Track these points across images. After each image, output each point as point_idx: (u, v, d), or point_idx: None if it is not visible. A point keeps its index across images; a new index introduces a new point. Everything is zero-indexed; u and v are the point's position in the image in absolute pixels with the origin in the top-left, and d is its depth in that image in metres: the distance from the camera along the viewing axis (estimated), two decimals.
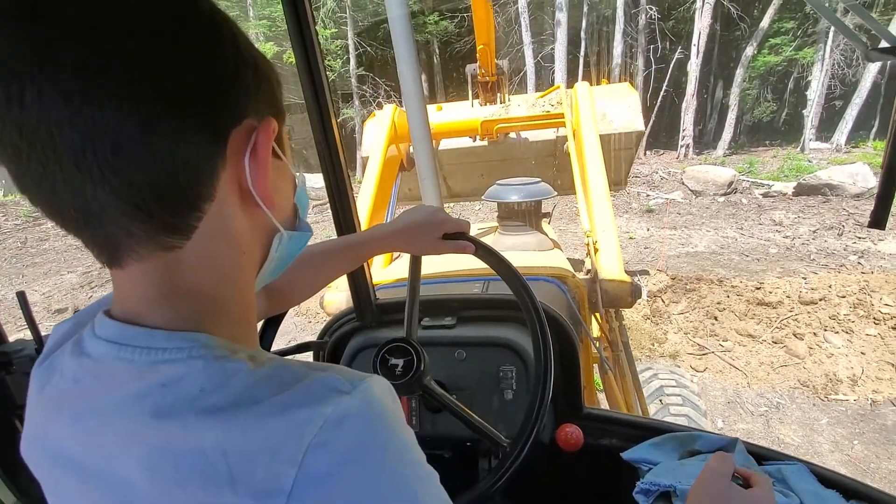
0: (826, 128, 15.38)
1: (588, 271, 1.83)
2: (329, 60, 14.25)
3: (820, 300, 3.77)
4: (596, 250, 1.86)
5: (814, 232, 7.14)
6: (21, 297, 0.69)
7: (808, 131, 14.77)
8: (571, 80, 14.64)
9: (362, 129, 4.25)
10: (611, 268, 1.78)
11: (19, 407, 0.69)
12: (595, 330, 1.74)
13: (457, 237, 0.73)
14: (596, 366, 1.81)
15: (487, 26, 3.07)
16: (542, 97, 3.32)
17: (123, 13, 0.27)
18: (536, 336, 0.69)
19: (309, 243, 0.45)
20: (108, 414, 0.31)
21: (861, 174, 8.97)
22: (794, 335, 3.62)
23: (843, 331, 3.57)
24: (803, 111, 15.36)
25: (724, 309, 3.96)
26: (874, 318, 3.57)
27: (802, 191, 9.20)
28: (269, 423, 0.29)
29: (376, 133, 2.71)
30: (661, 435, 0.79)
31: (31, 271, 6.76)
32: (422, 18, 15.88)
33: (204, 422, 0.29)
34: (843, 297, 3.74)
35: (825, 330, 3.59)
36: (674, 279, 4.50)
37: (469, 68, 3.79)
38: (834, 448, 2.81)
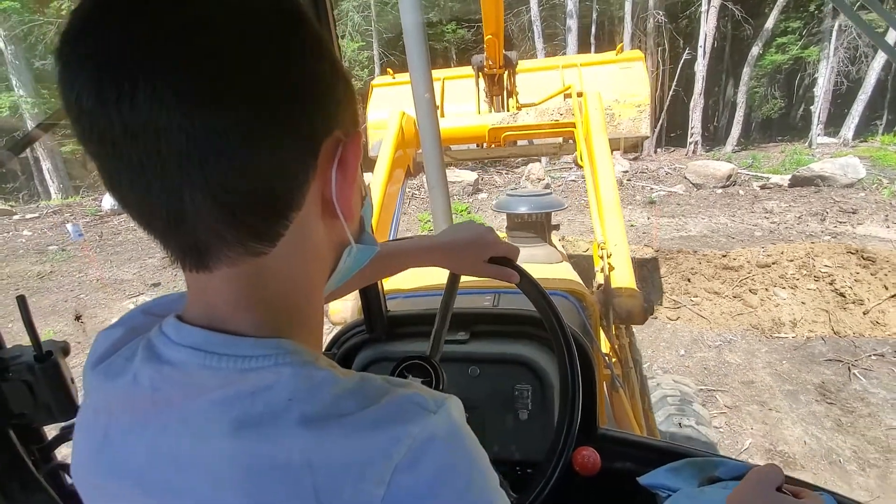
0: (834, 123, 15.83)
1: (599, 286, 1.79)
2: (357, 70, 15.43)
3: (773, 264, 4.64)
4: (611, 268, 1.82)
5: (799, 218, 7.91)
6: (21, 301, 0.65)
7: (816, 127, 15.31)
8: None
9: (368, 95, 4.37)
10: (623, 284, 1.76)
11: (16, 416, 0.66)
12: (604, 346, 1.69)
13: (502, 262, 0.70)
14: (604, 383, 1.75)
15: (496, 16, 2.93)
16: (553, 97, 3.36)
17: (237, 17, 0.27)
18: (567, 380, 0.65)
19: None
20: (189, 423, 0.30)
21: (851, 166, 9.63)
22: (750, 291, 4.50)
23: (789, 287, 4.44)
24: (811, 108, 15.88)
25: (696, 273, 4.86)
26: (815, 277, 4.43)
27: (797, 182, 9.89)
28: (358, 439, 0.28)
29: (383, 138, 2.71)
30: (679, 460, 0.75)
31: (116, 258, 7.98)
32: (440, 28, 16.95)
33: (292, 433, 0.28)
34: (792, 260, 4.60)
35: (775, 286, 4.47)
36: (658, 251, 5.41)
37: (475, 59, 3.51)
38: (766, 366, 3.71)
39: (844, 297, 4.22)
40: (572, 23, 14.49)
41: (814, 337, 4.02)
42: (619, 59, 3.98)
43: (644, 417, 1.82)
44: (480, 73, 3.60)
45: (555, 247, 2.23)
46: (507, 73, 3.60)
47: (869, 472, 2.66)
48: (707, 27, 14.65)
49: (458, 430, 0.31)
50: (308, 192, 0.31)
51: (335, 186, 0.33)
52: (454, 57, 18.81)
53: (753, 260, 4.81)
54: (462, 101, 3.95)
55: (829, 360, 3.71)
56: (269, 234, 0.31)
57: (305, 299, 0.36)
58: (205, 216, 0.28)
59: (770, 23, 14.81)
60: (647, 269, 5.11)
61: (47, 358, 0.66)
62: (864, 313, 4.10)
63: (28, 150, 16.44)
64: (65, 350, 0.70)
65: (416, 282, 1.39)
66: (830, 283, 4.35)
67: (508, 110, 3.67)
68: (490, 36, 3.04)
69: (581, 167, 2.58)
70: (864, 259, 4.47)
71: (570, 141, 3.17)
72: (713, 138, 17.73)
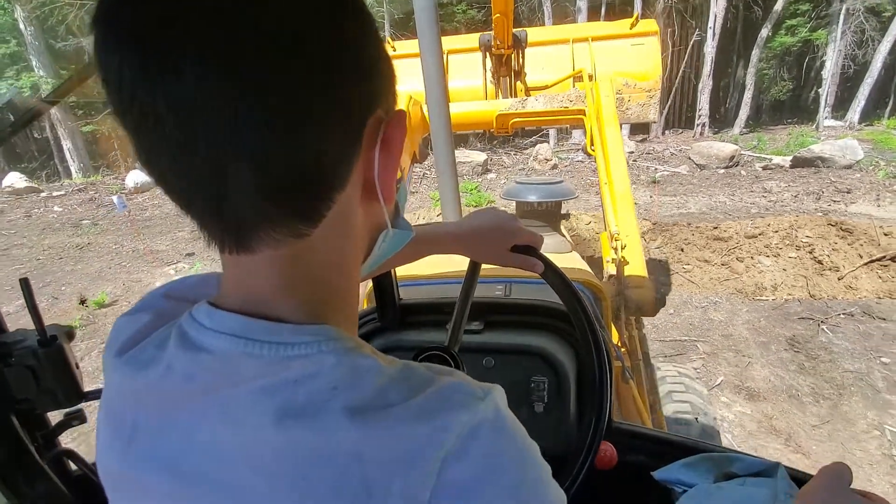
0: (842, 106, 15.92)
1: (610, 276, 1.78)
2: None
3: (759, 235, 5.05)
4: (625, 261, 1.79)
5: (795, 196, 8.25)
6: (24, 283, 0.63)
7: (823, 110, 15.42)
8: None
9: None
10: (635, 274, 1.74)
11: (19, 402, 0.64)
12: (614, 337, 1.66)
13: (526, 251, 0.67)
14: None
15: None
16: (563, 81, 3.29)
17: None
18: (595, 373, 0.63)
19: None
20: (230, 412, 0.29)
21: (850, 148, 9.89)
22: (737, 259, 4.92)
23: (772, 255, 4.86)
24: (818, 90, 15.96)
25: (689, 244, 5.28)
26: (796, 246, 4.84)
27: (798, 163, 10.17)
28: (406, 430, 0.27)
29: None
30: (694, 455, 0.72)
31: (147, 231, 8.51)
32: (450, 8, 17.08)
33: (337, 422, 0.27)
34: (777, 232, 5.00)
35: (759, 255, 4.89)
36: (655, 224, 5.83)
37: (482, 38, 3.33)
38: (745, 322, 4.16)
39: (822, 264, 4.64)
40: (582, 3, 14.59)
41: (791, 299, 4.46)
42: (633, 32, 3.66)
43: (651, 411, 1.77)
44: (488, 53, 3.41)
45: (564, 236, 2.17)
46: (515, 53, 3.42)
47: (822, 404, 3.13)
48: (717, 8, 14.68)
49: (505, 418, 0.30)
50: (352, 172, 0.31)
51: (378, 168, 0.32)
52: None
53: (742, 231, 5.23)
54: (466, 77, 3.75)
55: (802, 318, 4.15)
56: (313, 215, 0.30)
57: (344, 284, 0.35)
58: (250, 194, 0.27)
59: (779, 5, 14.81)
60: (644, 240, 5.54)
61: (52, 343, 0.64)
62: (839, 279, 4.52)
63: (49, 130, 16.92)
64: (69, 335, 0.68)
65: (428, 270, 1.34)
66: (810, 252, 4.76)
67: (516, 94, 3.57)
68: (498, 14, 2.92)
69: (591, 155, 2.54)
70: (842, 230, 4.87)
71: (579, 125, 3.05)
72: (723, 120, 17.83)
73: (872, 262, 4.63)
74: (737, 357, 3.65)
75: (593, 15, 15.52)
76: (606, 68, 3.18)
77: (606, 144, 2.37)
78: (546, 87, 3.54)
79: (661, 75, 3.63)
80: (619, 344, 1.72)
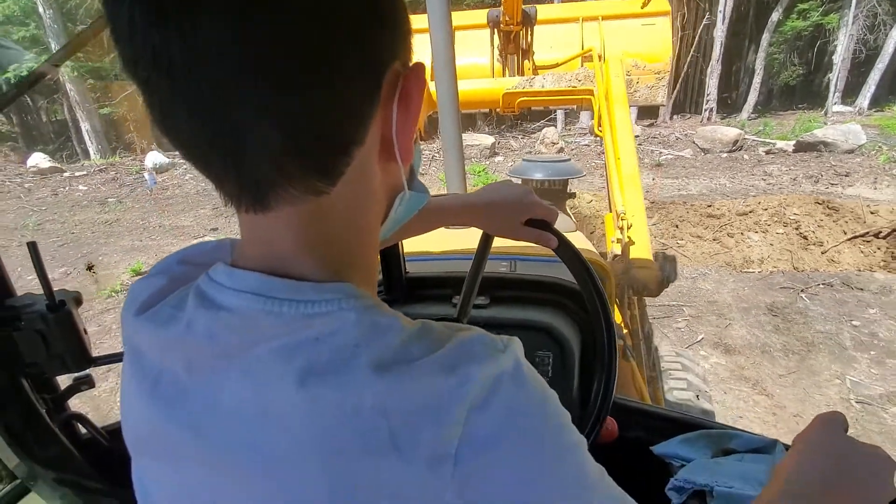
0: (852, 92, 15.86)
1: (615, 256, 1.78)
2: None
3: (750, 212, 5.36)
4: (630, 241, 1.79)
5: (794, 180, 8.48)
6: (32, 247, 0.63)
7: (833, 95, 15.40)
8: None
9: None
10: (640, 255, 1.74)
11: (27, 365, 0.65)
12: (616, 315, 1.64)
13: (540, 226, 0.66)
14: None
15: None
16: (572, 59, 3.24)
17: None
18: (605, 353, 0.64)
19: None
20: (252, 371, 0.29)
21: (853, 133, 10.04)
22: (728, 235, 5.25)
23: (760, 231, 5.18)
24: (829, 75, 15.91)
25: (684, 220, 5.60)
26: (783, 223, 5.15)
27: (801, 148, 10.34)
28: (430, 383, 0.27)
29: None
30: (693, 431, 0.74)
31: (171, 209, 8.96)
32: None
33: (362, 378, 0.27)
34: (766, 209, 5.31)
35: (749, 231, 5.21)
36: (652, 203, 6.14)
37: (491, 14, 3.25)
38: (730, 291, 4.51)
39: (807, 239, 4.95)
40: None
41: (776, 272, 4.79)
42: (644, 12, 3.55)
43: (651, 389, 1.76)
44: (496, 30, 3.32)
45: (569, 215, 2.16)
46: (524, 30, 3.31)
47: (791, 358, 3.49)
48: None
49: (524, 368, 0.30)
50: (371, 126, 0.30)
51: (395, 123, 0.31)
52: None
53: (734, 209, 5.54)
54: (473, 54, 3.67)
55: (784, 287, 4.49)
56: (333, 171, 0.29)
57: (364, 244, 0.35)
58: (269, 148, 0.27)
59: None
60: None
61: (60, 308, 0.65)
62: (822, 253, 4.84)
63: (67, 112, 17.35)
64: (77, 300, 0.68)
65: (435, 245, 1.37)
66: (797, 229, 5.07)
67: (523, 73, 3.49)
68: None
69: (599, 136, 2.48)
70: (829, 208, 5.17)
71: (586, 106, 3.03)
72: (734, 106, 17.81)
73: (855, 237, 4.93)
74: (719, 319, 4.01)
75: None
76: (616, 48, 3.10)
77: (615, 125, 2.35)
78: (554, 66, 3.46)
79: (672, 57, 3.61)
80: (622, 324, 1.74)
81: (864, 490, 0.39)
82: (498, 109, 3.14)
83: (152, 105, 0.27)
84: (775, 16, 15.37)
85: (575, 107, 3.59)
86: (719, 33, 15.06)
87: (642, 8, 3.56)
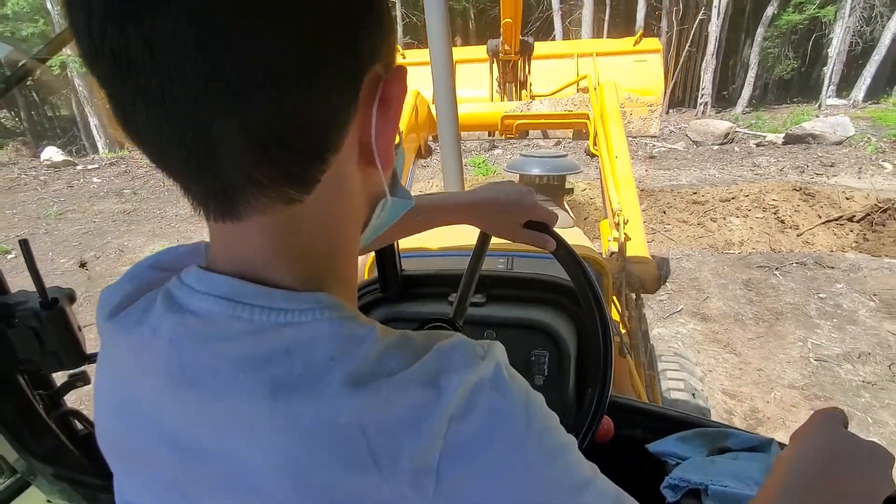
0: (848, 85, 16.14)
1: (612, 253, 1.79)
2: None
3: (732, 199, 5.76)
4: (627, 238, 1.81)
5: (781, 170, 8.86)
6: (24, 244, 0.62)
7: (827, 89, 15.71)
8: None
9: None
10: (637, 252, 1.76)
11: (22, 362, 0.66)
12: (613, 313, 1.68)
13: (539, 228, 0.66)
14: None
15: (515, 1, 2.92)
16: (568, 86, 3.42)
17: None
18: (601, 356, 0.64)
19: None
20: (219, 380, 0.28)
21: (841, 125, 10.39)
22: (711, 219, 5.64)
23: (741, 216, 5.57)
24: (823, 68, 16.21)
25: (671, 206, 6.00)
26: (763, 208, 5.55)
27: (790, 140, 10.69)
28: (409, 395, 0.27)
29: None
30: (689, 430, 0.74)
31: (185, 200, 9.34)
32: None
33: (337, 394, 0.26)
34: (747, 196, 5.70)
35: (731, 216, 5.60)
36: (642, 191, 6.53)
37: (490, 44, 3.44)
38: (710, 270, 4.91)
39: (784, 223, 5.35)
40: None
41: (755, 252, 5.19)
42: (636, 49, 3.82)
43: (649, 388, 1.79)
44: (495, 60, 3.51)
45: (567, 211, 2.18)
46: (522, 60, 3.48)
47: (760, 325, 3.90)
48: None
49: (506, 373, 0.30)
50: (348, 133, 0.29)
51: (375, 129, 0.30)
52: (472, 17, 19.28)
53: (717, 196, 5.94)
54: (473, 87, 3.90)
55: (760, 266, 4.89)
56: (306, 179, 0.28)
57: (341, 253, 0.34)
58: (237, 154, 0.25)
59: None
60: None
61: (53, 305, 0.65)
62: (798, 235, 5.24)
63: (75, 107, 17.66)
64: (70, 297, 0.68)
65: (430, 242, 1.34)
66: (775, 213, 5.47)
67: (521, 100, 3.62)
68: (508, 20, 2.96)
69: (595, 155, 2.52)
70: (805, 194, 5.56)
71: (584, 131, 3.17)
72: (730, 100, 18.10)
73: (829, 221, 5.33)
74: (698, 293, 4.41)
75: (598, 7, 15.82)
76: (610, 78, 3.26)
77: (610, 137, 2.41)
78: (552, 94, 3.61)
79: (663, 91, 3.84)
80: (620, 322, 1.76)
81: (862, 484, 0.39)
82: (497, 133, 3.32)
83: (112, 103, 0.25)
84: (770, 10, 15.66)
85: (570, 136, 3.88)
86: (714, 28, 15.34)
87: (634, 45, 3.85)
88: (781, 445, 0.67)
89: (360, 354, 0.28)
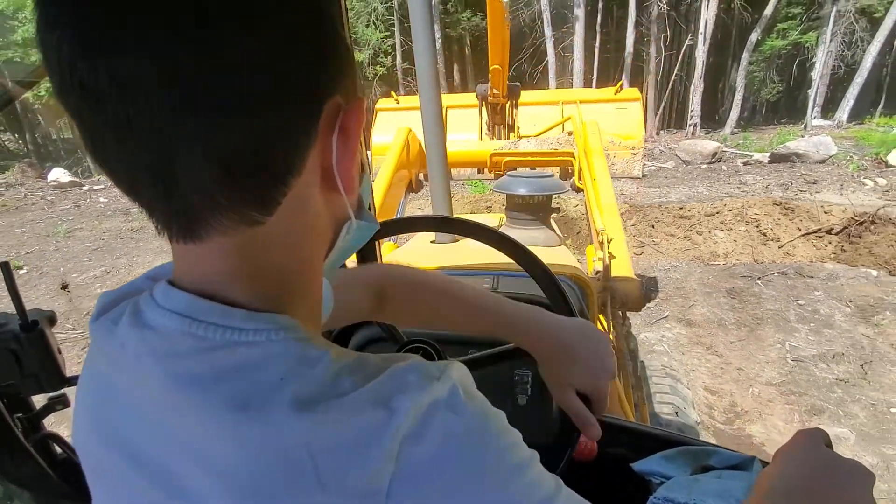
0: (833, 106, 16.72)
1: (598, 272, 1.81)
2: (381, 58, 16.84)
3: (717, 213, 6.05)
4: (612, 257, 1.83)
5: (766, 188, 9.19)
6: (5, 268, 0.62)
7: (812, 110, 16.29)
8: (587, 69, 16.72)
9: (374, 118, 4.34)
10: (622, 272, 1.79)
11: (3, 385, 0.66)
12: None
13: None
14: None
15: (503, 48, 3.04)
16: (554, 127, 3.62)
17: None
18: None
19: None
20: (171, 396, 0.28)
21: (823, 144, 10.82)
22: (697, 233, 5.92)
23: (725, 229, 5.86)
24: (808, 91, 16.84)
25: (659, 221, 6.29)
26: (746, 221, 5.84)
27: (775, 159, 11.10)
28: (359, 417, 0.27)
29: (387, 153, 2.77)
30: (673, 448, 0.74)
31: None
32: (455, 16, 18.19)
33: (285, 416, 0.26)
34: (731, 210, 6.00)
35: (715, 229, 5.88)
36: (632, 207, 6.84)
37: (479, 89, 3.66)
38: (698, 280, 5.16)
39: (766, 235, 5.63)
40: (580, 12, 15.64)
41: (738, 263, 5.46)
42: (618, 98, 4.13)
43: (636, 408, 1.79)
44: (484, 103, 3.77)
45: (554, 230, 2.25)
46: (510, 103, 3.74)
47: (742, 329, 4.12)
48: (707, 15, 15.65)
49: (463, 392, 0.29)
50: (308, 157, 0.29)
51: (336, 155, 0.31)
52: (468, 44, 20.02)
53: (703, 211, 6.23)
54: (464, 131, 4.16)
55: (744, 276, 5.14)
56: (267, 202, 0.29)
57: (303, 273, 0.34)
58: (198, 178, 0.26)
59: (769, 10, 15.72)
60: (622, 219, 6.57)
61: (33, 327, 0.64)
62: (779, 247, 5.51)
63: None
64: (51, 319, 0.68)
65: (416, 262, 1.33)
66: (757, 226, 5.75)
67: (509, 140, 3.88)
68: (496, 66, 3.11)
69: (580, 190, 2.66)
70: (786, 209, 5.86)
71: (570, 169, 3.28)
72: (720, 121, 18.66)
73: (809, 234, 5.61)
74: (683, 301, 4.65)
75: (590, 20, 16.49)
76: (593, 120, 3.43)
77: (594, 170, 2.55)
78: (538, 135, 3.83)
79: (644, 136, 4.04)
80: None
81: (843, 502, 0.40)
82: (486, 170, 3.51)
83: (82, 133, 0.26)
84: (754, 36, 16.35)
85: (557, 172, 4.17)
86: (700, 53, 16.00)
87: (615, 94, 4.18)
88: (764, 463, 0.67)
89: (313, 376, 0.28)
